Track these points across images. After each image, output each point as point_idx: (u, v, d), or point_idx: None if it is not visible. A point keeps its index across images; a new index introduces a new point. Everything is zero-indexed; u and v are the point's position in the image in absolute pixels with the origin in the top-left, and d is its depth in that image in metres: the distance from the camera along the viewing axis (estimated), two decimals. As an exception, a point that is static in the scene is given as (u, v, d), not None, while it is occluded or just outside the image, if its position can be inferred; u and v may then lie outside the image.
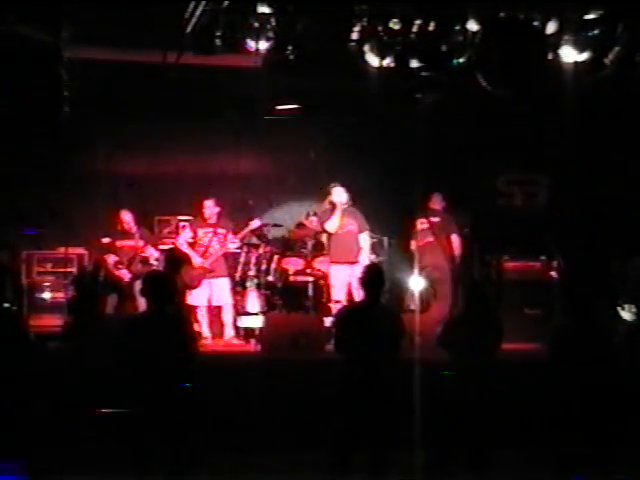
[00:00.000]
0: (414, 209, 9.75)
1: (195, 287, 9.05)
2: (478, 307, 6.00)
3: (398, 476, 5.79)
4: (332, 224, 8.94)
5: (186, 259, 9.14)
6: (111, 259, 9.20)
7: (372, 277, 5.84)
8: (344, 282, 8.89)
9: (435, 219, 9.45)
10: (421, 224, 9.44)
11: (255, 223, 9.27)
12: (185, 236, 9.24)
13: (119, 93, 9.47)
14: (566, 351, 5.98)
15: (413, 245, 9.40)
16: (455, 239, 9.44)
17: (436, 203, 9.56)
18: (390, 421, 5.56)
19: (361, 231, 9.06)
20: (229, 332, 9.08)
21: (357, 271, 8.92)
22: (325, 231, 9.07)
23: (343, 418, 5.58)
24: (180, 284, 8.98)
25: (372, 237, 9.26)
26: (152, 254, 9.24)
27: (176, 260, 9.48)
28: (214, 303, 9.14)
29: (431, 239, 9.39)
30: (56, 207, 9.77)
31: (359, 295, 8.83)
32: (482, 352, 5.84)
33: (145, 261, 9.22)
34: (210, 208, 9.16)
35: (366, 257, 8.91)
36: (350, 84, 9.18)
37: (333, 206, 8.96)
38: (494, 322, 6.11)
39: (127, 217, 9.25)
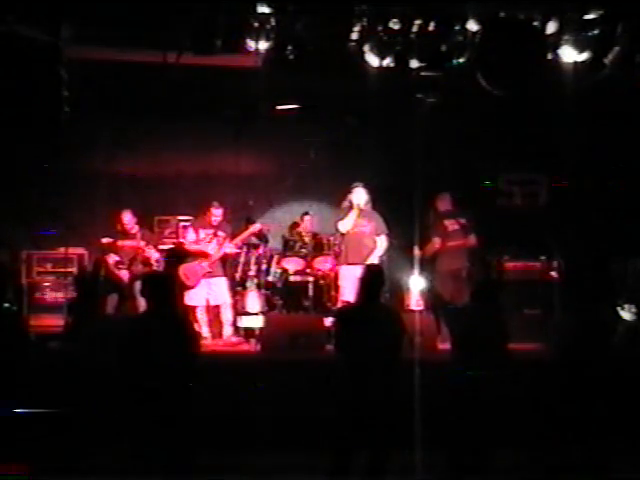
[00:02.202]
0: (415, 209, 9.76)
1: (193, 287, 9.05)
2: (486, 306, 5.98)
3: (398, 477, 5.80)
4: (345, 224, 8.87)
5: (188, 257, 9.15)
6: (112, 259, 9.20)
7: (372, 276, 5.84)
8: (352, 283, 8.83)
9: (463, 220, 9.42)
10: (452, 225, 9.42)
11: (255, 227, 9.27)
12: (189, 239, 9.23)
13: (119, 93, 9.47)
14: (567, 351, 5.98)
15: (438, 245, 9.37)
16: (472, 239, 9.44)
17: (447, 204, 9.55)
18: (391, 421, 5.56)
19: (377, 234, 8.97)
20: (228, 331, 9.09)
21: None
22: (337, 230, 9.04)
23: (343, 418, 5.58)
24: (178, 284, 9.01)
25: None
26: (152, 255, 9.25)
27: (176, 260, 9.49)
28: (212, 302, 9.15)
29: (461, 241, 9.39)
30: (56, 207, 9.76)
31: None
32: (488, 351, 5.82)
33: (146, 261, 9.23)
34: (218, 215, 9.16)
35: (376, 259, 8.87)
36: (350, 84, 9.18)
37: (351, 206, 8.91)
38: (500, 322, 6.10)
39: (127, 217, 9.26)
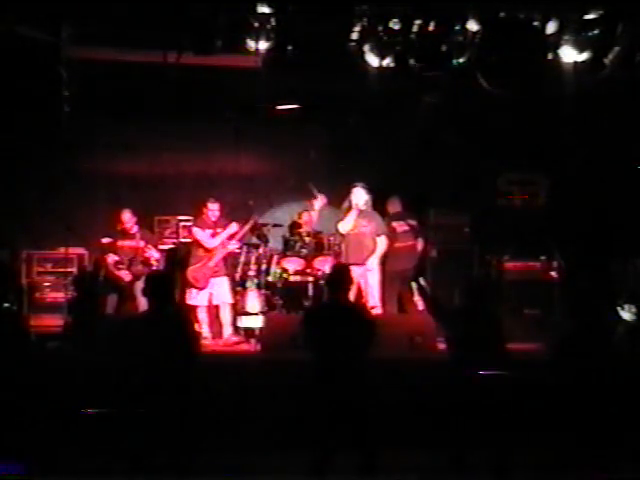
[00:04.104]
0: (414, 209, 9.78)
1: (202, 288, 9.05)
2: (477, 305, 5.98)
3: (398, 477, 5.80)
4: (345, 225, 8.90)
5: (189, 258, 9.15)
6: (111, 259, 9.17)
7: (339, 276, 5.85)
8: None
9: (413, 222, 9.53)
10: (400, 227, 9.46)
11: (252, 221, 9.28)
12: (199, 236, 9.22)
13: (119, 93, 9.46)
14: (567, 351, 5.98)
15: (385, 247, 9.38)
16: (421, 243, 9.57)
17: (397, 206, 9.60)
18: (364, 420, 5.56)
19: (378, 234, 9.01)
20: (228, 330, 9.09)
21: (366, 273, 9.00)
22: (337, 231, 9.05)
23: (316, 417, 5.59)
24: (184, 284, 9.02)
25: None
26: (152, 255, 9.23)
27: (177, 260, 9.49)
28: (215, 302, 9.15)
29: (411, 242, 9.46)
30: (56, 207, 9.75)
31: (373, 296, 8.90)
32: (483, 350, 5.81)
33: (146, 262, 9.20)
34: (214, 211, 9.16)
35: (376, 259, 8.88)
36: (350, 84, 9.18)
37: (351, 206, 8.91)
38: (493, 320, 6.09)
39: (127, 217, 9.23)
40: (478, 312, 5.95)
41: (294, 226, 9.62)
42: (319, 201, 9.54)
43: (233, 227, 9.23)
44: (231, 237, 9.23)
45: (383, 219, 9.42)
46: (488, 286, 6.57)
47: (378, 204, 9.26)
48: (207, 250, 9.13)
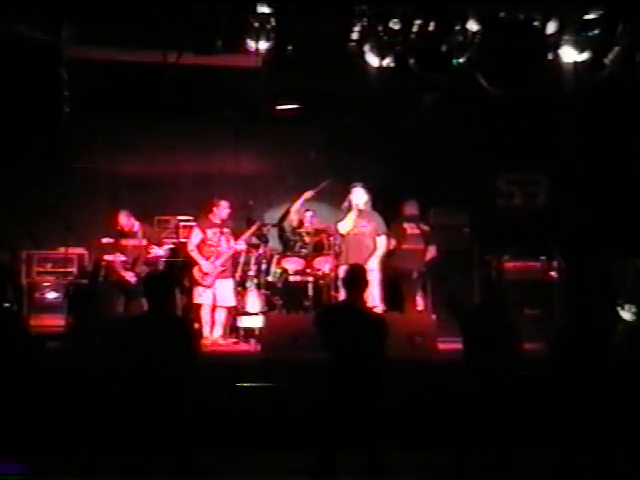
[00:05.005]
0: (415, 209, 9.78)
1: (208, 286, 9.03)
2: (493, 306, 5.96)
3: (398, 477, 5.80)
4: (344, 225, 8.88)
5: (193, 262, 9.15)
6: (118, 259, 9.08)
7: (355, 277, 5.82)
8: None
9: (425, 227, 9.51)
10: (411, 229, 9.47)
11: (257, 224, 9.30)
12: (195, 240, 9.16)
13: (119, 93, 9.47)
14: (567, 351, 5.98)
15: (392, 247, 9.37)
16: (432, 249, 9.50)
17: (413, 209, 9.60)
18: (380, 421, 5.55)
19: (378, 234, 9.00)
20: (218, 331, 9.07)
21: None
22: (337, 231, 9.06)
23: (327, 418, 5.58)
24: (190, 282, 9.07)
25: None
26: (157, 253, 9.19)
27: (177, 260, 9.47)
28: (217, 304, 9.13)
29: (420, 246, 9.45)
30: (56, 207, 9.75)
31: (373, 296, 8.90)
32: (497, 351, 5.80)
33: (149, 262, 9.14)
34: (225, 209, 9.14)
35: (376, 259, 8.89)
36: (350, 84, 9.19)
37: (350, 206, 8.92)
38: (507, 322, 6.08)
39: (123, 220, 9.08)
40: (493, 311, 5.94)
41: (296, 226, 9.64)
42: (307, 194, 9.53)
43: (240, 245, 9.23)
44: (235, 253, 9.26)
45: (396, 220, 9.42)
46: (501, 286, 6.55)
47: (378, 204, 9.25)
48: (213, 252, 9.11)
